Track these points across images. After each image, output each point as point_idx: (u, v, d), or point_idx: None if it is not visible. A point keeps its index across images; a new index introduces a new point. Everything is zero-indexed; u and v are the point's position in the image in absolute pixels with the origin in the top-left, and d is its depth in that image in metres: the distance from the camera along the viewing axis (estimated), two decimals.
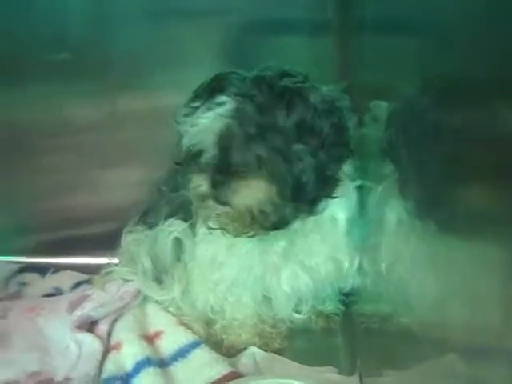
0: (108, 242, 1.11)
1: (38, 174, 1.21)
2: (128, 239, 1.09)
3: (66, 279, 1.19)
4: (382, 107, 0.77)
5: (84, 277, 1.19)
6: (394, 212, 0.72)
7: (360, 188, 0.90)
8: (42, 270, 1.22)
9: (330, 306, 1.06)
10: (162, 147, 0.95)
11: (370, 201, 0.83)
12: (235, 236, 0.87)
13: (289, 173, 0.80)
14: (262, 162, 0.79)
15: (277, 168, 0.79)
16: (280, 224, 0.84)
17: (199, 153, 0.83)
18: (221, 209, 0.83)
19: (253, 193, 0.80)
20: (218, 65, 1.07)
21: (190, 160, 0.85)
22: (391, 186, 0.73)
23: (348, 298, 1.06)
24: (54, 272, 1.22)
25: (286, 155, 0.79)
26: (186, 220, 1.00)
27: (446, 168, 0.50)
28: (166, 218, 1.03)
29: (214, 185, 0.81)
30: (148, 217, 1.09)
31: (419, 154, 0.60)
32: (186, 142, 0.83)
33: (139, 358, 0.94)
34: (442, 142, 0.52)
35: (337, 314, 1.07)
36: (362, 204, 0.90)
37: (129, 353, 0.95)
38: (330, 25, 1.09)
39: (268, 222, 0.83)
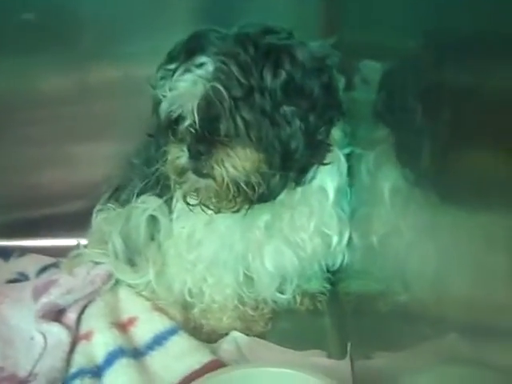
0: (77, 222, 1.08)
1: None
2: (99, 218, 1.06)
3: (31, 263, 1.15)
4: (372, 67, 0.77)
5: (51, 260, 1.15)
6: (388, 180, 0.71)
7: (350, 155, 0.87)
8: (5, 253, 1.18)
9: (316, 285, 1.04)
10: (137, 118, 0.93)
11: (362, 169, 0.81)
12: (217, 212, 0.83)
13: (277, 138, 0.76)
14: (248, 127, 0.75)
15: (264, 133, 0.75)
16: (268, 196, 0.80)
17: (178, 120, 0.79)
18: (202, 182, 0.79)
19: (238, 162, 0.76)
20: (195, 26, 1.04)
21: (166, 129, 0.81)
22: (385, 151, 0.72)
23: (335, 275, 1.04)
24: (18, 256, 1.18)
25: (274, 119, 0.75)
26: (161, 196, 0.97)
27: (449, 131, 0.49)
28: (140, 194, 1.00)
29: (194, 155, 0.77)
30: (120, 193, 1.06)
31: (418, 115, 0.58)
32: (164, 107, 0.78)
33: (111, 348, 0.90)
34: (445, 103, 0.50)
35: (323, 294, 1.05)
36: (352, 173, 0.88)
37: (100, 342, 0.92)
38: None
39: (255, 195, 0.79)
